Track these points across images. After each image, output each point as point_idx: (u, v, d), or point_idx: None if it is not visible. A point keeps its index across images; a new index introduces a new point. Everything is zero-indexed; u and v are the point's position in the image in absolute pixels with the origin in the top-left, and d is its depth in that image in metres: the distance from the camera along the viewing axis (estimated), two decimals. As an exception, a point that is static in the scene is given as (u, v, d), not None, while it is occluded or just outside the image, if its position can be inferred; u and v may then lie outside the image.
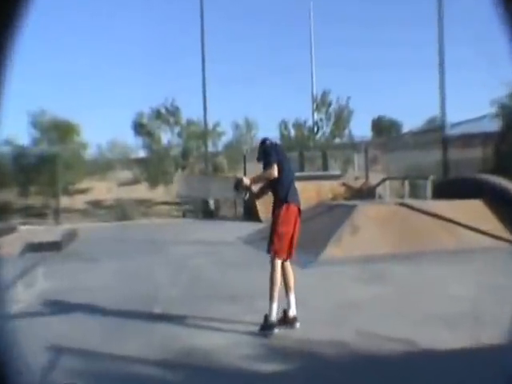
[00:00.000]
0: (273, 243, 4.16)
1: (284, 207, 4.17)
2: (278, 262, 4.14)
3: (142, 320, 4.63)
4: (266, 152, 4.25)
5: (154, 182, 21.39)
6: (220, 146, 24.62)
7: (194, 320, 4.55)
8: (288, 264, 4.31)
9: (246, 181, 4.28)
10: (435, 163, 14.75)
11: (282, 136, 24.22)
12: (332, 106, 23.65)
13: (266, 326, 4.07)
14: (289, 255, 4.27)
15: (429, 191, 11.40)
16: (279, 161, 4.18)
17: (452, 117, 20.16)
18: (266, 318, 4.09)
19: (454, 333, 3.93)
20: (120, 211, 18.10)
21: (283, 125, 24.53)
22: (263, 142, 4.42)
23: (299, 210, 4.24)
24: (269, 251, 4.18)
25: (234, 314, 4.65)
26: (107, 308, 5.11)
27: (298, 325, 4.16)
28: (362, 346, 3.73)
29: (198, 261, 8.05)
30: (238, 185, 4.31)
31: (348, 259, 7.18)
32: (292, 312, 4.21)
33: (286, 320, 4.22)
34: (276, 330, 4.04)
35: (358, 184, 17.70)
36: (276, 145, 4.40)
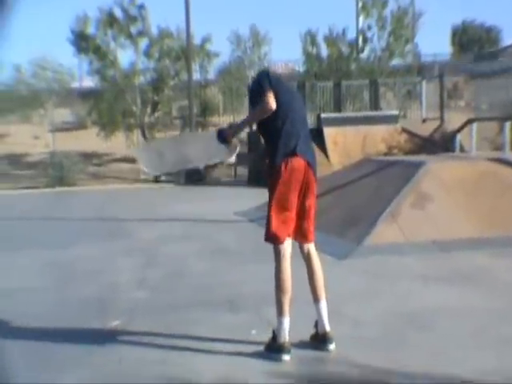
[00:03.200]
0: (268, 223, 4.18)
1: (279, 163, 4.12)
2: (283, 251, 4.15)
3: (90, 340, 4.65)
4: (256, 84, 4.29)
5: (108, 128, 21.29)
6: (212, 74, 24.36)
7: (170, 338, 4.57)
8: (312, 251, 4.32)
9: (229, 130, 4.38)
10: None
11: (308, 56, 23.80)
12: (388, 7, 23.12)
13: (274, 348, 4.12)
14: (303, 236, 4.28)
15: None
16: (276, 91, 4.15)
17: None
18: (274, 335, 4.15)
19: None
20: (55, 172, 18.13)
21: (309, 38, 24.00)
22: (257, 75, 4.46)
23: (310, 165, 4.19)
24: (265, 238, 4.22)
25: (233, 327, 4.69)
26: (35, 322, 5.13)
27: (332, 346, 4.19)
28: None
29: (178, 248, 8.09)
30: (224, 139, 4.39)
31: (410, 246, 7.16)
32: (323, 326, 4.24)
33: (316, 337, 4.27)
34: (286, 357, 4.07)
35: (427, 129, 17.55)
36: (269, 73, 4.37)
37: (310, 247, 4.32)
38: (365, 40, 23.18)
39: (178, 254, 7.71)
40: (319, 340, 4.24)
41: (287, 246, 4.18)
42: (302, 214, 4.23)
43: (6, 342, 4.67)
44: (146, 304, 5.54)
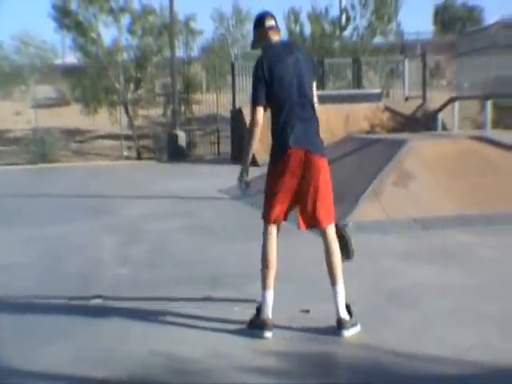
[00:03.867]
0: (264, 204, 4.25)
1: (275, 157, 4.21)
2: (269, 230, 4.19)
3: (73, 314, 4.65)
4: (253, 79, 4.27)
5: (91, 105, 21.09)
6: (196, 51, 24.17)
7: (152, 315, 4.58)
8: (327, 235, 4.21)
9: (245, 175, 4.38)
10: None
11: (291, 33, 23.77)
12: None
13: (257, 324, 4.12)
14: (316, 221, 4.19)
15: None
16: (268, 84, 4.14)
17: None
18: (257, 312, 4.16)
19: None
20: (38, 148, 17.97)
21: (292, 16, 23.94)
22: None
23: (308, 151, 4.15)
24: (262, 215, 4.28)
25: (216, 304, 4.70)
26: (20, 297, 5.11)
27: (345, 332, 4.08)
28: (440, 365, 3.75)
29: (161, 225, 8.07)
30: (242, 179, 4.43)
31: (392, 224, 7.18)
32: (337, 311, 4.16)
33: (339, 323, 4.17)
34: (269, 334, 4.06)
35: (409, 108, 17.58)
36: (264, 64, 4.22)
37: (327, 231, 4.21)
38: (348, 19, 23.11)
39: (161, 231, 7.69)
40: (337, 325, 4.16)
41: (274, 226, 4.20)
42: (306, 201, 4.16)
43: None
44: (129, 280, 5.53)
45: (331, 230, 4.22)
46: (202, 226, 7.95)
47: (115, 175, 15.07)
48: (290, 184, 4.15)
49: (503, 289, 5.01)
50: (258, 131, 4.19)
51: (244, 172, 4.37)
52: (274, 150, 4.24)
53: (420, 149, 8.72)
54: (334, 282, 4.20)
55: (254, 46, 4.59)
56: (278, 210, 4.18)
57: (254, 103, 4.20)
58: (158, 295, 5.00)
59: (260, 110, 4.18)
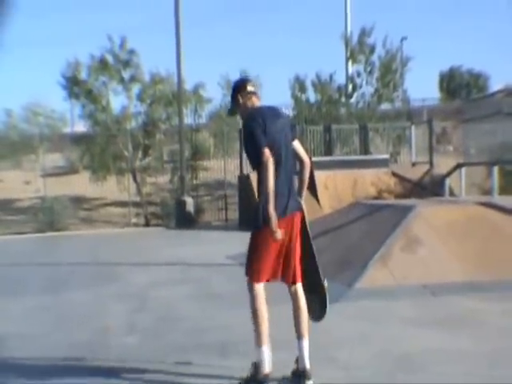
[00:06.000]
0: (250, 263, 4.35)
1: (266, 226, 4.18)
2: (257, 288, 4.33)
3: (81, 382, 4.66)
4: (249, 136, 4.26)
5: (100, 172, 21.35)
6: (204, 117, 24.51)
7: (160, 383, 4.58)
8: (298, 289, 4.44)
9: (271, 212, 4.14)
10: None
11: (296, 101, 24.04)
12: (376, 53, 23.51)
13: (255, 379, 4.20)
14: (285, 276, 4.41)
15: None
16: (270, 144, 4.17)
17: None
18: (255, 367, 4.23)
19: None
20: (46, 216, 18.16)
21: (297, 83, 24.27)
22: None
23: (296, 214, 4.35)
24: (247, 273, 4.41)
25: (225, 371, 4.69)
26: (25, 366, 5.15)
27: (310, 382, 4.25)
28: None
29: (170, 292, 8.10)
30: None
31: (401, 289, 7.21)
32: (303, 363, 4.31)
33: (296, 373, 4.34)
34: None
35: (416, 173, 17.74)
36: (259, 120, 4.25)
37: (298, 287, 4.45)
38: (354, 87, 23.44)
39: (169, 298, 7.72)
40: (298, 375, 4.31)
41: (262, 287, 4.36)
42: (289, 257, 4.37)
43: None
44: (136, 348, 5.54)
45: (301, 287, 4.45)
46: (210, 293, 7.98)
47: (123, 242, 15.16)
48: (276, 248, 4.28)
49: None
50: (271, 167, 4.05)
51: (268, 209, 4.09)
52: (264, 216, 4.17)
53: (428, 214, 8.81)
54: (301, 336, 4.35)
55: (231, 111, 4.59)
56: (273, 268, 4.34)
57: (259, 147, 4.12)
58: (167, 364, 5.01)
59: (267, 151, 4.10)
